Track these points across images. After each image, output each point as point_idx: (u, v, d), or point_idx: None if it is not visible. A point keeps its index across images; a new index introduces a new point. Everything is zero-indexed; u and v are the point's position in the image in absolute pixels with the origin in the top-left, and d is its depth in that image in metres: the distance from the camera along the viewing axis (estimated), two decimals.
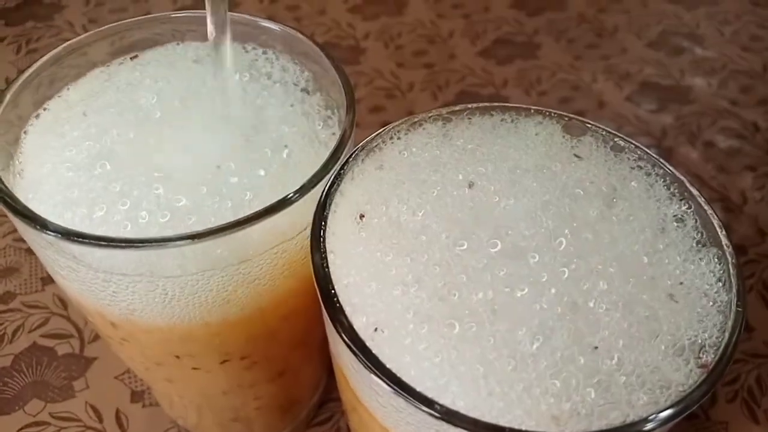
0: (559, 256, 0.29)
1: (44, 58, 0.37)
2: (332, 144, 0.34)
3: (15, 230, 0.63)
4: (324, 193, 0.31)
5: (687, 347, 0.27)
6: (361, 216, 0.31)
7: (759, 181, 0.74)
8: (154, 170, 0.33)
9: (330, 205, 0.31)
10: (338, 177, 0.32)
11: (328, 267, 0.28)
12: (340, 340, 0.26)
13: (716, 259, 0.30)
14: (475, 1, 0.98)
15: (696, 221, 0.31)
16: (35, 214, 0.29)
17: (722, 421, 0.54)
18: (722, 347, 0.26)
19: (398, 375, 0.25)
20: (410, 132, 0.35)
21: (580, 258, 0.29)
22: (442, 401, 0.24)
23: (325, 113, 0.38)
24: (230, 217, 0.31)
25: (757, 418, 0.54)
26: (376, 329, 0.27)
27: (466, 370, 0.25)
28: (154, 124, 0.36)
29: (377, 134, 0.34)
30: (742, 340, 0.27)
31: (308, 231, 0.30)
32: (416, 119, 0.35)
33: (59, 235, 0.28)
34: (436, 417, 0.24)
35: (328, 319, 0.27)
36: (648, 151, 0.34)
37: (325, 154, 0.33)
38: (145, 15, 0.41)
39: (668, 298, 0.28)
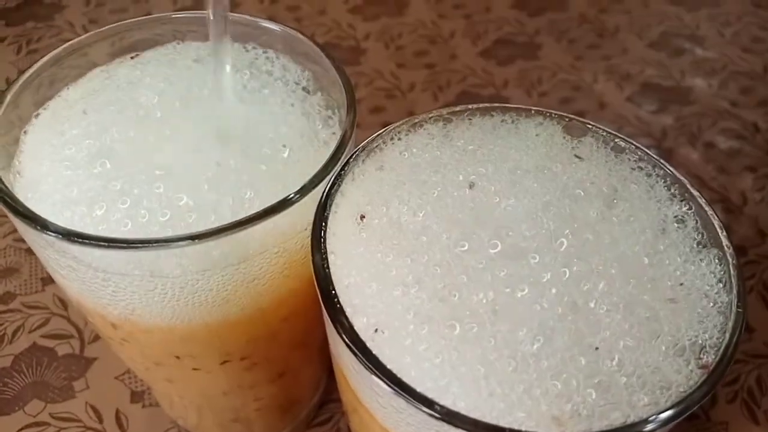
0: (559, 256, 0.29)
1: (45, 59, 0.37)
2: (332, 143, 0.34)
3: (15, 230, 0.63)
4: (324, 194, 0.31)
5: (687, 348, 0.27)
6: (362, 217, 0.31)
7: (759, 182, 0.74)
8: (154, 168, 0.33)
9: (330, 205, 0.31)
10: (339, 177, 0.32)
11: (328, 268, 0.28)
12: (341, 340, 0.26)
13: (717, 260, 0.30)
14: (476, 2, 0.98)
15: (696, 222, 0.31)
16: (35, 214, 0.29)
17: (722, 422, 0.54)
18: (723, 348, 0.26)
19: (399, 376, 0.25)
20: (411, 133, 0.35)
21: (581, 259, 0.29)
22: (442, 402, 0.24)
23: (325, 113, 0.38)
24: (230, 215, 0.31)
25: (757, 418, 0.54)
26: (376, 330, 0.27)
27: (467, 371, 0.25)
28: (154, 123, 0.36)
29: (378, 135, 0.34)
30: (742, 341, 0.27)
31: (308, 231, 0.30)
32: (417, 120, 0.35)
33: (60, 236, 0.28)
34: (437, 418, 0.24)
35: (329, 319, 0.27)
36: (648, 152, 0.34)
37: (325, 153, 0.33)
38: (146, 15, 0.41)
39: (669, 299, 0.28)
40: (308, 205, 0.31)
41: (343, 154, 0.33)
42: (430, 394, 0.24)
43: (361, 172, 0.33)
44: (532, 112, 0.36)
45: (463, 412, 0.24)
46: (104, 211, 0.31)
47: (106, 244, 0.28)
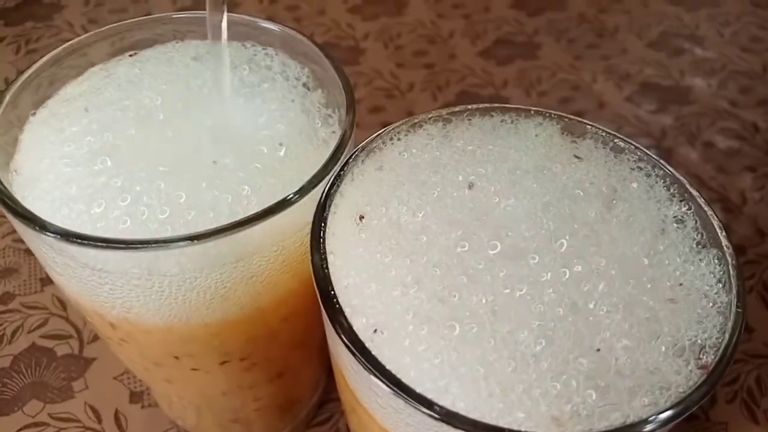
0: (559, 257, 0.29)
1: (44, 59, 0.37)
2: (331, 141, 0.34)
3: (14, 231, 0.63)
4: (324, 194, 0.31)
5: (687, 348, 0.27)
6: (361, 217, 0.31)
7: (758, 182, 0.74)
8: (153, 166, 0.33)
9: (330, 206, 0.31)
10: (338, 178, 0.32)
11: (327, 268, 0.28)
12: (340, 341, 0.26)
13: (716, 260, 0.30)
14: (476, 1, 0.98)
15: (696, 222, 0.31)
16: (34, 214, 0.29)
17: (722, 422, 0.54)
18: (722, 348, 0.26)
19: (398, 376, 0.25)
20: (410, 133, 0.35)
21: (581, 259, 0.29)
22: (442, 402, 0.24)
23: (325, 111, 0.38)
24: (228, 212, 0.31)
25: (756, 418, 0.54)
26: (375, 330, 0.27)
27: (466, 372, 0.25)
28: (153, 120, 0.36)
29: (377, 135, 0.34)
30: (741, 341, 0.27)
31: (307, 229, 0.30)
32: (416, 120, 0.35)
33: (58, 236, 0.28)
34: (436, 418, 0.24)
35: (328, 320, 0.27)
36: (648, 152, 0.34)
37: (325, 151, 0.33)
38: (146, 15, 0.41)
39: (668, 299, 0.28)
40: (307, 204, 0.31)
41: (342, 154, 0.33)
42: (429, 395, 0.24)
43: (361, 172, 0.33)
44: (532, 112, 0.36)
45: (463, 412, 0.24)
46: (103, 209, 0.31)
47: (104, 244, 0.28)
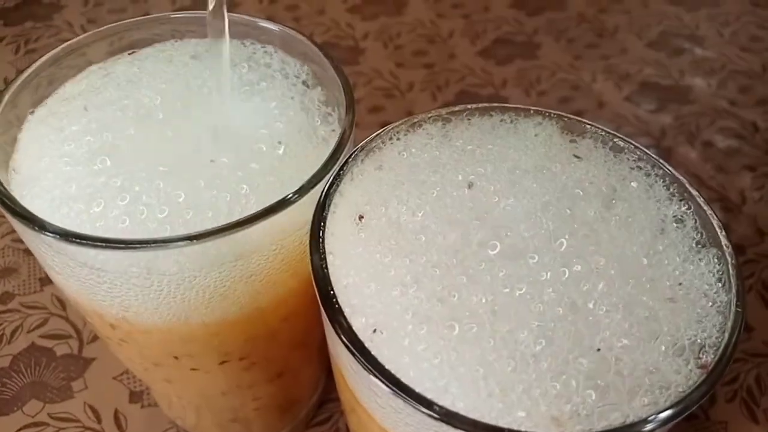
0: (558, 256, 0.29)
1: (43, 59, 0.37)
2: (331, 139, 0.34)
3: (14, 230, 0.63)
4: (323, 194, 0.31)
5: (687, 348, 0.27)
6: (361, 217, 0.31)
7: (758, 181, 0.74)
8: (152, 165, 0.33)
9: (329, 205, 0.31)
10: (337, 177, 0.32)
11: (327, 268, 0.28)
12: (339, 341, 0.26)
13: (716, 260, 0.30)
14: (475, 1, 0.98)
15: (695, 222, 0.31)
16: (33, 214, 0.29)
17: (721, 421, 0.54)
18: (722, 348, 0.26)
19: (397, 376, 0.25)
20: (410, 132, 0.35)
21: (580, 258, 0.29)
22: (441, 402, 0.24)
23: (325, 109, 0.38)
24: (227, 211, 0.31)
25: (756, 417, 0.54)
26: (375, 330, 0.27)
27: (466, 372, 0.25)
28: (153, 120, 0.36)
29: (377, 135, 0.34)
30: (741, 340, 0.27)
31: (306, 228, 0.30)
32: (416, 120, 0.35)
33: (57, 236, 0.28)
34: (436, 418, 0.24)
35: (327, 320, 0.27)
36: (647, 151, 0.34)
37: (324, 150, 0.33)
38: (144, 15, 0.41)
39: (668, 298, 0.28)
40: (307, 203, 0.31)
41: (341, 153, 0.33)
42: (428, 395, 0.24)
43: (360, 172, 0.33)
44: (531, 111, 0.36)
45: (462, 412, 0.24)
46: (102, 208, 0.31)
47: (104, 244, 0.28)
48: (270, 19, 0.41)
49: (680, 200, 0.32)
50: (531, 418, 0.25)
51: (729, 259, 0.29)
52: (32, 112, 0.36)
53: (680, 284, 0.29)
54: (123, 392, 0.53)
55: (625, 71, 0.87)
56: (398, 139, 0.35)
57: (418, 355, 0.26)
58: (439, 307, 0.27)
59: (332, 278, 0.28)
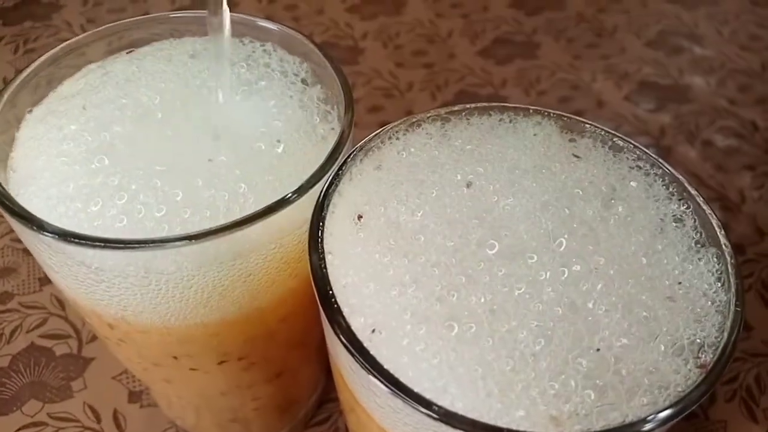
0: (558, 256, 0.29)
1: (42, 58, 0.37)
2: (330, 138, 0.34)
3: (13, 230, 0.62)
4: (322, 194, 0.31)
5: (686, 347, 0.27)
6: (359, 216, 0.31)
7: (757, 180, 0.74)
8: (150, 164, 0.33)
9: (328, 205, 0.31)
10: (336, 177, 0.32)
11: (325, 268, 0.28)
12: (338, 341, 0.26)
13: (715, 259, 0.30)
14: (474, 1, 0.98)
15: (695, 221, 0.31)
16: (32, 214, 0.29)
17: (721, 420, 0.54)
18: (721, 347, 0.26)
19: (396, 376, 0.24)
20: (409, 132, 0.35)
21: (579, 258, 0.29)
22: (440, 402, 0.24)
23: (324, 107, 0.38)
24: (225, 210, 0.31)
25: (755, 417, 0.54)
26: (373, 330, 0.27)
27: (465, 371, 0.25)
28: (151, 119, 0.35)
29: (376, 134, 0.34)
30: (740, 339, 0.27)
31: (305, 227, 0.30)
32: (415, 119, 0.35)
33: (56, 236, 0.28)
34: (434, 418, 0.24)
35: (326, 319, 0.27)
36: (647, 150, 0.34)
37: (323, 148, 0.33)
38: (144, 15, 0.41)
39: (667, 298, 0.28)
40: (306, 203, 0.31)
41: (340, 153, 0.33)
42: (427, 395, 0.24)
43: (359, 171, 0.33)
44: (530, 111, 0.36)
45: (461, 412, 0.24)
46: (100, 207, 0.31)
47: (102, 244, 0.28)
48: (269, 18, 0.41)
49: (679, 199, 0.32)
50: (530, 417, 0.25)
51: (728, 259, 0.29)
52: (30, 111, 0.36)
53: (679, 284, 0.29)
54: (122, 392, 0.53)
55: (624, 71, 0.87)
56: (397, 138, 0.35)
57: (416, 355, 0.26)
58: (437, 306, 0.27)
59: (331, 278, 0.28)
